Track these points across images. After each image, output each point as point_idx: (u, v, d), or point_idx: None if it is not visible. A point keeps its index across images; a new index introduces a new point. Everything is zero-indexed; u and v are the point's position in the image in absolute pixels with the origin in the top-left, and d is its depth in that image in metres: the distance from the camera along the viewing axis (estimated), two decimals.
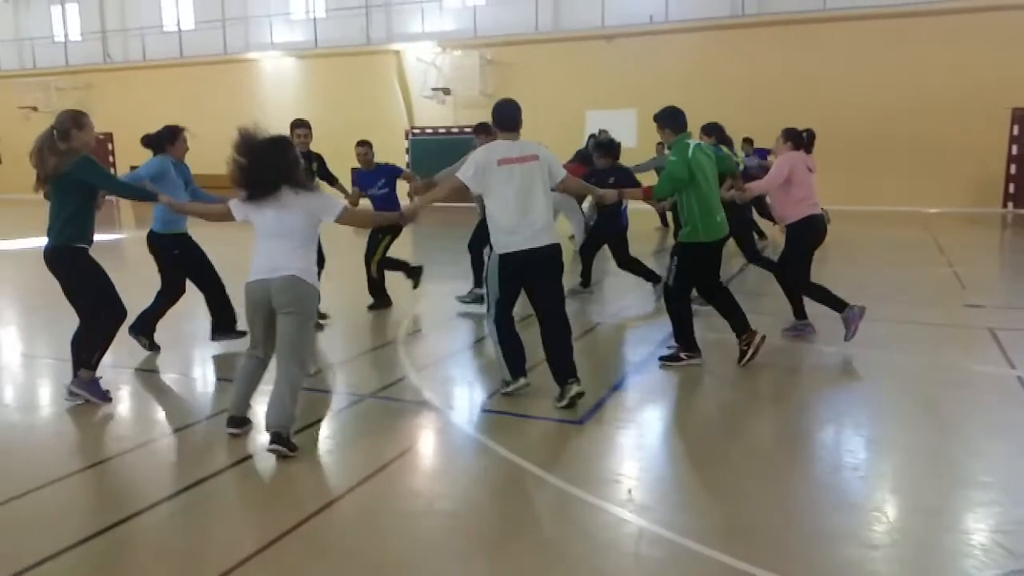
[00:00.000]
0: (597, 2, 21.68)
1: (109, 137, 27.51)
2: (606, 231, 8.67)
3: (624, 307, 8.43)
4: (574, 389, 4.95)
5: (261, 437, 4.45)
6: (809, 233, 6.68)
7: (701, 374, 5.87)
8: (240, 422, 4.60)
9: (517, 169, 4.85)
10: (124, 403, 5.46)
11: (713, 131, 7.92)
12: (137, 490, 4.01)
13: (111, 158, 27.47)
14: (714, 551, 3.25)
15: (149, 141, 6.23)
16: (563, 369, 5.03)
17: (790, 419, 5.04)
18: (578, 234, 10.11)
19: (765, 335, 5.98)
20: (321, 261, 7.32)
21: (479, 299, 7.88)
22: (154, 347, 6.42)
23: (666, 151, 6.09)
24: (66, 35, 29.40)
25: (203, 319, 6.74)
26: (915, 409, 5.09)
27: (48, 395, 5.60)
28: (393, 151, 23.57)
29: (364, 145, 8.16)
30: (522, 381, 5.16)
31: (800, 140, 6.72)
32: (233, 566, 3.16)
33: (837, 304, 6.57)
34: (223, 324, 6.61)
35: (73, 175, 4.83)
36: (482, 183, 4.87)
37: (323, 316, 7.41)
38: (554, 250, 4.98)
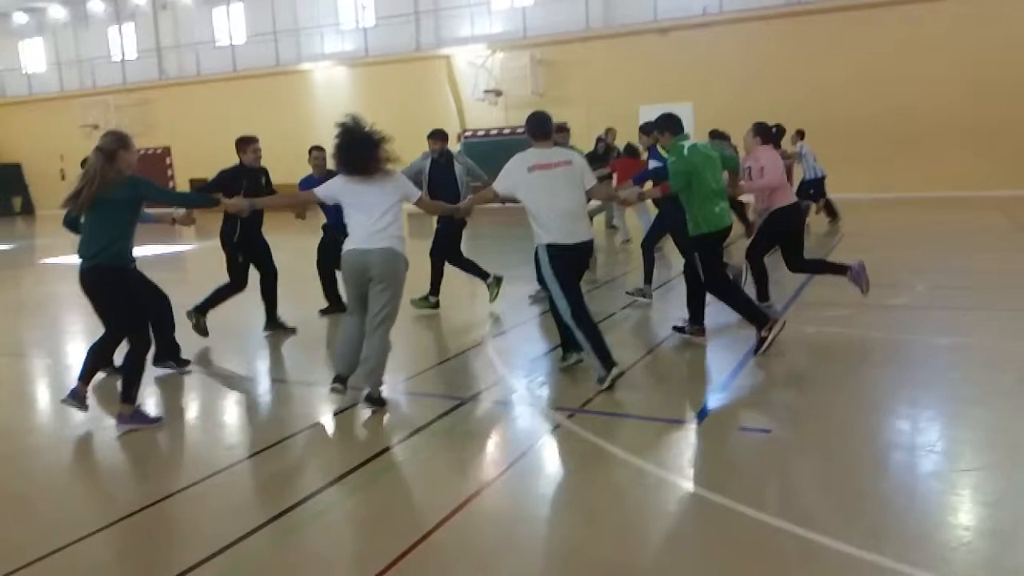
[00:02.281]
0: None
1: (167, 151, 28.07)
2: None
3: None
4: (574, 357, 5.67)
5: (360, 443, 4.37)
6: (792, 219, 6.96)
7: (804, 370, 5.68)
8: (341, 380, 5.12)
9: (549, 173, 5.28)
10: (214, 417, 5.47)
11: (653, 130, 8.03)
12: (242, 511, 3.84)
13: (169, 172, 27.99)
14: (852, 547, 3.08)
15: None
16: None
17: (908, 414, 4.79)
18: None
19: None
20: (274, 273, 7.38)
21: (433, 306, 8.16)
22: (183, 363, 6.25)
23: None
24: (123, 54, 30.10)
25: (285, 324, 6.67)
26: None
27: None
28: None
29: (320, 150, 7.99)
30: (615, 371, 5.22)
31: (770, 135, 7.08)
32: None
33: (765, 293, 7.16)
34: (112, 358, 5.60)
35: (126, 194, 4.79)
36: (511, 189, 5.37)
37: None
38: (591, 244, 5.46)
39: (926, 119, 18.69)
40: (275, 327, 7.50)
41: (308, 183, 7.96)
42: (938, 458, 4.08)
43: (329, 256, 8.08)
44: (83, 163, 6.36)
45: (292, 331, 7.50)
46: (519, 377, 5.79)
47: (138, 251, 5.05)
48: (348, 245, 4.94)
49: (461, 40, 24.16)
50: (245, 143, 7.17)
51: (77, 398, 5.00)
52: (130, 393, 4.90)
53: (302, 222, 7.79)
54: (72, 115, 29.64)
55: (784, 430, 4.58)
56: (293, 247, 10.21)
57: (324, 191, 5.15)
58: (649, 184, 6.77)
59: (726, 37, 20.57)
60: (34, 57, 32.29)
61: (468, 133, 24.21)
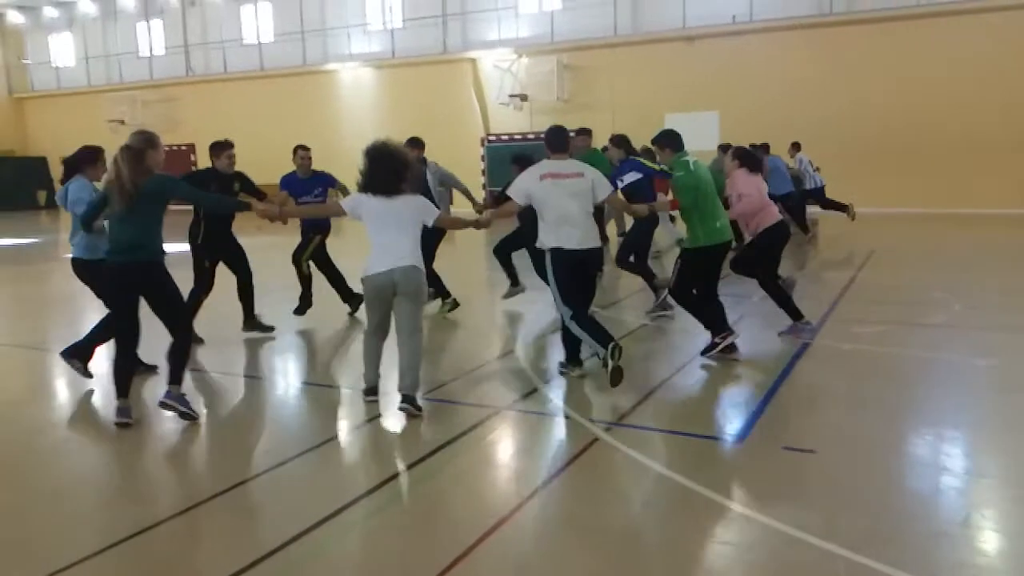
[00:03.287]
0: (678, 2, 21.31)
1: (192, 148, 28.21)
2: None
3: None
4: (577, 371, 5.84)
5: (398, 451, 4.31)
6: (779, 237, 6.87)
7: (843, 389, 5.57)
8: (375, 391, 5.29)
9: (560, 183, 5.51)
10: (242, 422, 5.46)
11: (621, 143, 8.18)
12: (280, 518, 3.77)
13: (194, 168, 28.14)
14: (903, 572, 2.98)
15: (68, 162, 6.04)
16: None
17: (951, 437, 4.67)
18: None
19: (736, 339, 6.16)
20: (209, 287, 7.13)
21: (454, 305, 8.20)
22: (88, 374, 5.98)
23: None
24: (151, 50, 30.30)
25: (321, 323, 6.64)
26: None
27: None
28: (469, 159, 23.49)
29: (305, 149, 7.96)
30: (611, 344, 5.26)
31: (750, 159, 6.86)
32: None
33: (794, 312, 6.77)
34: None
35: (153, 193, 4.82)
36: (522, 195, 5.60)
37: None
38: (596, 251, 5.66)
39: (959, 135, 18.44)
40: (253, 327, 7.43)
41: (289, 181, 8.00)
42: (989, 484, 3.98)
43: (329, 259, 8.14)
44: (63, 161, 6.24)
45: (270, 329, 7.43)
46: (552, 387, 5.71)
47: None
48: (372, 268, 5.00)
49: (488, 43, 24.13)
50: (219, 148, 7.05)
51: (127, 414, 4.97)
52: (178, 376, 5.01)
53: (282, 225, 7.65)
54: (99, 110, 29.84)
55: (827, 450, 4.46)
56: (284, 247, 10.13)
57: (350, 205, 5.23)
58: (620, 195, 6.81)
59: (754, 46, 20.42)
60: (63, 51, 32.58)
61: (492, 137, 24.18)
